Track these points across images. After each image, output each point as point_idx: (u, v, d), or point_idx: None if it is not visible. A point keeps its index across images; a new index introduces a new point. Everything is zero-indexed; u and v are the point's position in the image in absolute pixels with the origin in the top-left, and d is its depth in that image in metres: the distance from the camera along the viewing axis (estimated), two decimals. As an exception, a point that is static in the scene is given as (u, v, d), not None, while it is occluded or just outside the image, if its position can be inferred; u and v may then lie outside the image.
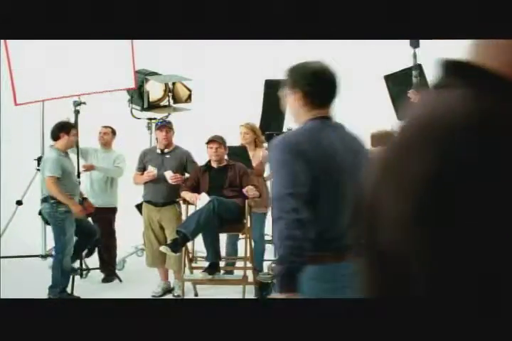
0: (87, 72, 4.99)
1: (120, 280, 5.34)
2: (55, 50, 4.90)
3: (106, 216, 5.34)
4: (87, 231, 4.90)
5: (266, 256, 5.97)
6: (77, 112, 5.15)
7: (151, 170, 4.79)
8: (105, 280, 5.35)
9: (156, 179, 4.78)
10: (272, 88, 6.61)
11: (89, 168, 5.33)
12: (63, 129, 4.79)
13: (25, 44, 4.91)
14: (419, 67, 4.91)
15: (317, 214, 1.85)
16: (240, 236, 5.18)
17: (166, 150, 4.86)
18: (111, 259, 5.40)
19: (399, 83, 4.88)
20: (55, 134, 4.78)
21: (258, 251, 5.10)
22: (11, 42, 4.99)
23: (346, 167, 1.93)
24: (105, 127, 5.53)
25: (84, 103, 5.18)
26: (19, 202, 5.97)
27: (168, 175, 4.71)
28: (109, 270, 5.38)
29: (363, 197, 0.66)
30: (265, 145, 5.62)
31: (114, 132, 5.55)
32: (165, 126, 4.91)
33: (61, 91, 5.03)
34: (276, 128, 5.99)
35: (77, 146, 5.15)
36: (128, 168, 5.40)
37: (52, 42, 4.67)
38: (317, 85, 2.00)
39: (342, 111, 7.63)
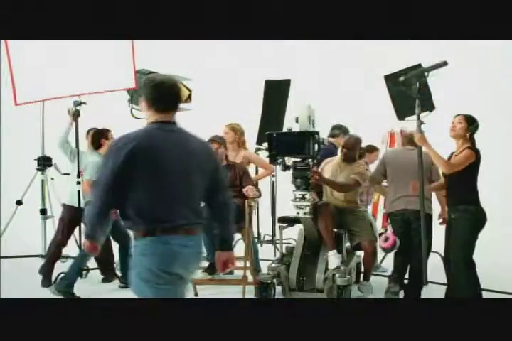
0: (87, 72, 4.97)
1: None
2: (55, 50, 4.89)
3: None
4: (123, 233, 4.91)
5: (266, 256, 5.97)
6: (77, 112, 5.14)
7: None
8: (105, 280, 5.34)
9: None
10: (271, 88, 6.61)
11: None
12: (102, 136, 5.13)
13: (25, 44, 4.90)
14: (419, 67, 4.91)
15: (148, 199, 2.37)
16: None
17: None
18: (109, 260, 5.39)
19: (399, 83, 4.87)
20: (98, 142, 5.13)
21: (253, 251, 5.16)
22: (11, 42, 4.99)
23: (176, 163, 2.40)
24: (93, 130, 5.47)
25: (84, 103, 5.18)
26: (19, 202, 5.97)
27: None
28: (109, 270, 5.37)
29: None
30: (265, 144, 5.62)
31: None
32: None
33: (61, 91, 5.02)
34: (276, 127, 5.98)
35: (78, 147, 5.15)
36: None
37: (52, 42, 4.67)
38: (158, 95, 2.45)
39: (343, 111, 7.57)
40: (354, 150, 4.79)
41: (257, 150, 6.40)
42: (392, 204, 4.59)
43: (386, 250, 4.64)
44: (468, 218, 3.88)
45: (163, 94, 2.46)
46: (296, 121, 4.35)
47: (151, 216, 2.38)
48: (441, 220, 4.57)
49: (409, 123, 4.83)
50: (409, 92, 3.68)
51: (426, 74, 3.61)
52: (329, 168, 4.88)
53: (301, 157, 4.35)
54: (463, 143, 3.96)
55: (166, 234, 2.36)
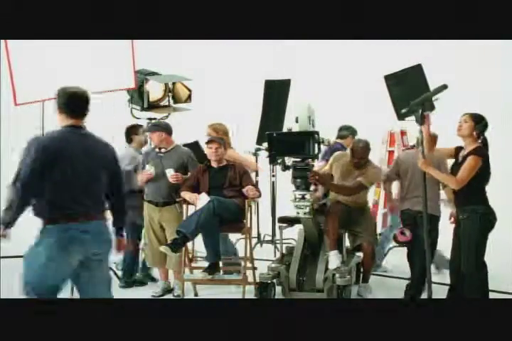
0: (87, 72, 4.98)
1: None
2: (55, 50, 4.89)
3: None
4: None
5: (266, 256, 5.98)
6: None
7: (148, 170, 4.78)
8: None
9: (155, 178, 4.77)
10: (272, 88, 6.62)
11: None
12: (132, 132, 5.29)
13: (25, 44, 4.90)
14: (419, 67, 4.91)
15: (57, 189, 2.83)
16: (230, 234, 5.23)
17: (163, 150, 4.85)
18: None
19: (399, 83, 4.87)
20: (128, 137, 5.31)
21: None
22: (11, 42, 4.99)
23: (82, 161, 2.89)
24: None
25: (84, 103, 5.19)
26: (19, 202, 5.97)
27: (169, 173, 4.70)
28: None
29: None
30: (265, 144, 5.62)
31: None
32: (147, 130, 5.01)
33: (61, 92, 5.02)
34: (276, 127, 5.98)
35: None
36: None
37: (52, 42, 4.67)
38: (68, 103, 2.93)
39: (343, 111, 7.54)
40: (365, 158, 4.75)
41: (257, 150, 6.40)
42: (401, 203, 4.61)
43: (400, 243, 4.66)
44: (476, 218, 3.84)
45: (74, 102, 2.93)
46: (296, 121, 4.35)
47: (55, 205, 2.83)
48: (452, 220, 4.56)
49: (410, 123, 4.83)
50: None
51: (428, 100, 3.62)
52: (339, 165, 4.83)
53: (301, 157, 4.35)
54: (470, 143, 3.91)
55: (67, 222, 2.82)
